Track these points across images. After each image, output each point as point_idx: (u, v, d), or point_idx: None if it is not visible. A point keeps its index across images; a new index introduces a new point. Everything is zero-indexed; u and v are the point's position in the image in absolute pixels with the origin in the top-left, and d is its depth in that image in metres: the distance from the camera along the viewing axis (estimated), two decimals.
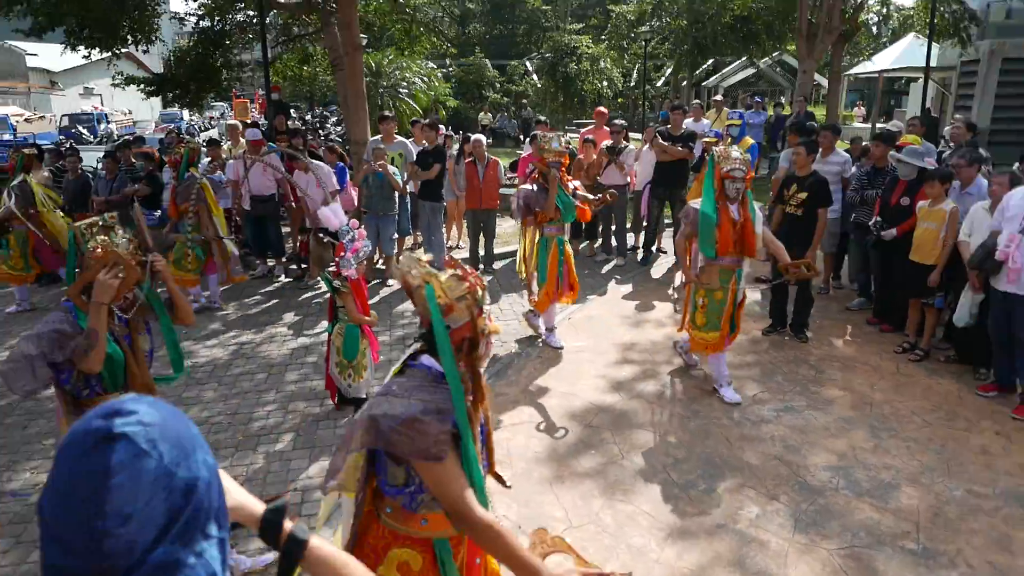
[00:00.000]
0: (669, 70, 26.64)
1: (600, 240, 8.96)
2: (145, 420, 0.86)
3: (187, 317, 3.13)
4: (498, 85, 25.12)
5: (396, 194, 7.54)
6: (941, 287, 5.39)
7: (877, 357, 5.65)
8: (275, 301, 7.45)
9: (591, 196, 6.05)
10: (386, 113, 8.51)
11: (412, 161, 7.94)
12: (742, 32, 19.80)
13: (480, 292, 1.93)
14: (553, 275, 5.69)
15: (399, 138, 8.35)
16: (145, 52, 14.38)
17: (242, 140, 8.86)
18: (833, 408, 4.83)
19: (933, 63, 20.73)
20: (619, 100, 25.97)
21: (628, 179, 8.28)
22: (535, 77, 24.67)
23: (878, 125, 19.40)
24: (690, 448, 4.33)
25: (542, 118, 9.68)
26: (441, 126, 11.47)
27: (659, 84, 27.32)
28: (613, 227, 8.69)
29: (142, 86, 13.05)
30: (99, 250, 2.71)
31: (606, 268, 8.42)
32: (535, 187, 5.71)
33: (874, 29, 31.99)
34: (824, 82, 20.90)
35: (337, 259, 4.47)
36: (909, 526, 3.58)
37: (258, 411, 4.96)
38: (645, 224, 8.60)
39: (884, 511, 3.70)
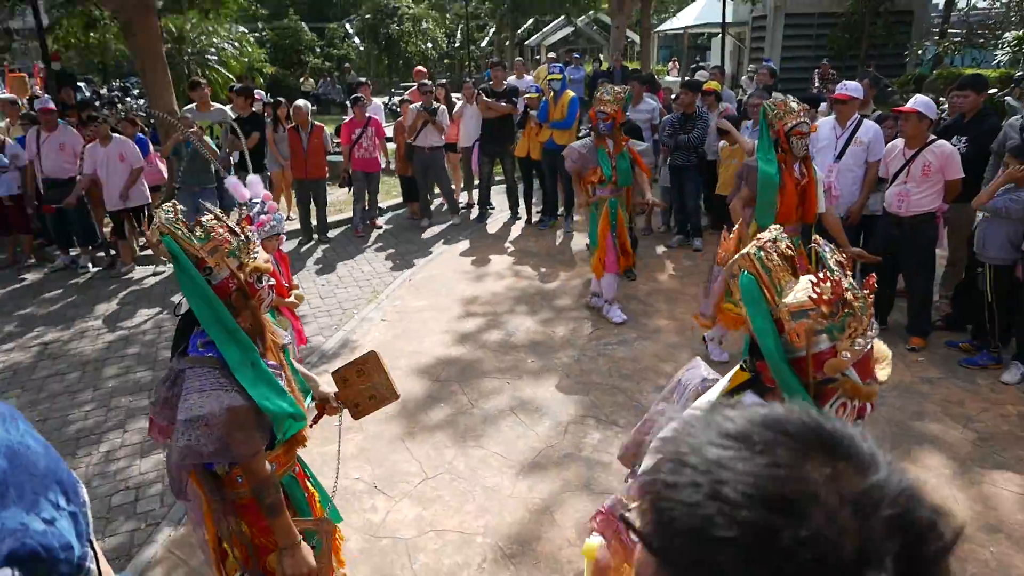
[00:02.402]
0: (492, 30, 26.81)
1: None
2: None
3: None
4: (318, 49, 23.97)
5: (213, 166, 7.02)
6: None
7: (695, 287, 6.17)
8: (82, 295, 6.73)
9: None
10: (197, 79, 7.80)
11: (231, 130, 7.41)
12: None
13: (236, 243, 1.89)
14: (605, 241, 5.25)
15: (216, 105, 7.75)
16: None
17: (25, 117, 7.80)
18: (661, 336, 5.24)
19: (729, 19, 22.54)
20: (445, 61, 25.78)
21: (443, 139, 8.21)
22: (356, 40, 23.82)
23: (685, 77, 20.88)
24: (535, 388, 4.52)
25: (363, 79, 9.34)
26: (261, 92, 10.79)
27: (483, 44, 27.45)
28: (436, 190, 8.77)
29: None
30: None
31: (427, 233, 8.43)
32: (588, 143, 5.26)
33: None
34: (637, 39, 22.04)
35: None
36: None
37: (74, 413, 4.50)
38: (478, 182, 8.69)
39: None
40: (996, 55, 15.52)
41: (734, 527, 0.51)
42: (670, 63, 24.44)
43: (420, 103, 8.03)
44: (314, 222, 8.08)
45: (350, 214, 8.55)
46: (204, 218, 1.90)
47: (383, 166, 8.35)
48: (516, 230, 8.29)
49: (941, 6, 21.62)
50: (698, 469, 0.55)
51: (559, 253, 7.36)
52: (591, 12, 25.26)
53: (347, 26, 25.12)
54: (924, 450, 3.77)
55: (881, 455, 0.57)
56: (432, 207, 9.05)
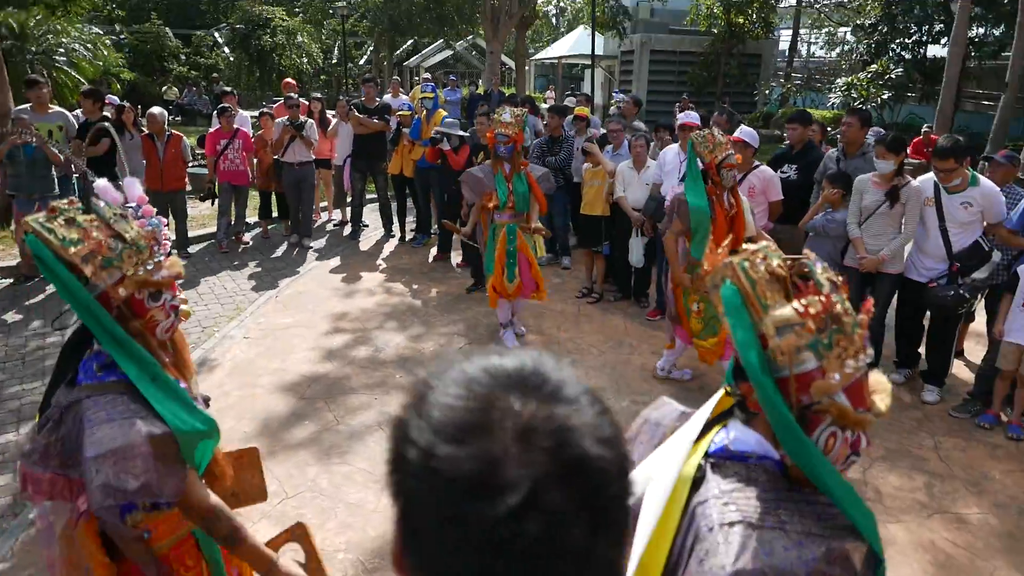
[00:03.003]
0: (371, 48, 26.63)
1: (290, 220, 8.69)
2: None
3: None
4: (183, 57, 22.76)
5: (54, 171, 6.48)
6: (607, 236, 6.27)
7: (562, 304, 6.41)
8: None
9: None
10: (35, 77, 7.11)
11: (76, 136, 6.88)
12: (436, 13, 20.53)
13: (118, 249, 1.60)
14: (499, 266, 5.07)
15: (56, 108, 7.16)
16: None
17: None
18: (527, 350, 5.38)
19: (600, 52, 23.68)
20: (322, 78, 25.26)
21: (312, 155, 8.04)
22: (226, 50, 22.86)
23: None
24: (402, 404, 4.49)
25: (228, 88, 8.97)
26: (114, 98, 10.09)
27: (361, 63, 27.19)
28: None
29: None
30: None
31: (296, 250, 8.23)
32: (485, 167, 5.16)
33: (553, 20, 35.41)
34: (514, 65, 22.66)
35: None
36: None
37: None
38: (350, 199, 8.57)
39: None
40: (830, 97, 17.35)
41: (416, 451, 0.57)
42: (547, 91, 25.36)
43: (286, 117, 7.81)
44: (173, 236, 7.64)
45: (214, 228, 8.15)
46: (82, 216, 1.62)
47: (251, 179, 8.04)
48: (389, 247, 8.25)
49: (786, 52, 23.95)
50: (416, 407, 0.61)
51: (431, 270, 7.39)
52: (470, 37, 25.73)
53: (216, 35, 24.06)
54: None
55: (586, 397, 0.61)
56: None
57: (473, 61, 27.21)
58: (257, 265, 7.50)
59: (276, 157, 7.86)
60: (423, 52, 27.02)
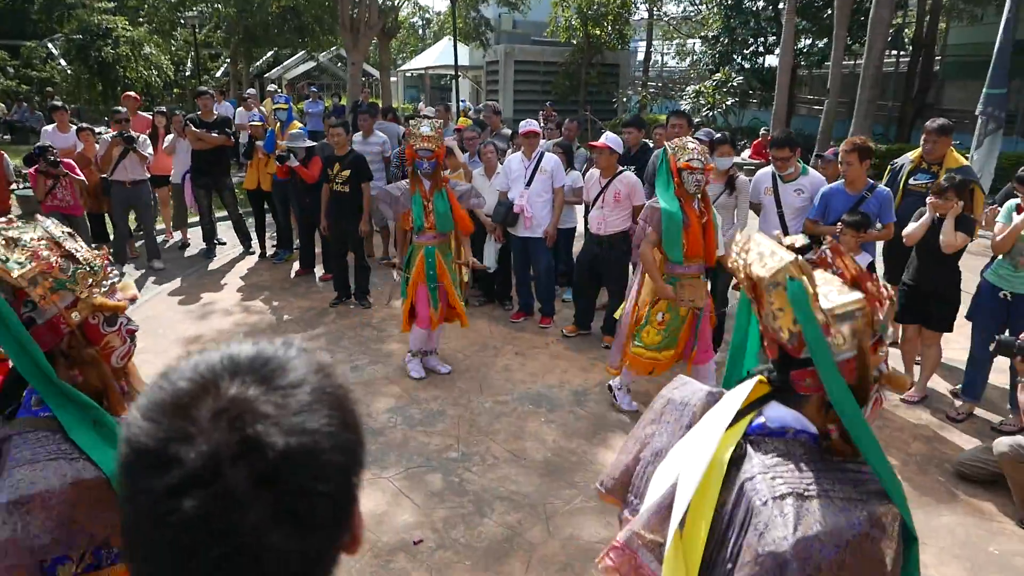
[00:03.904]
0: (228, 61, 25.44)
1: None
2: None
3: None
4: (11, 70, 20.77)
5: None
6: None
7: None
8: None
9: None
10: None
11: None
12: (293, 24, 19.97)
13: (71, 270, 1.45)
14: (413, 291, 4.79)
15: None
16: None
17: None
18: (392, 360, 5.36)
19: (467, 62, 23.97)
20: (175, 91, 23.82)
21: (146, 172, 7.47)
22: (63, 62, 21.05)
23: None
24: None
25: (58, 103, 8.26)
26: None
27: (218, 75, 25.92)
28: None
29: None
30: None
31: (137, 274, 7.76)
32: (401, 185, 4.77)
33: (420, 31, 35.41)
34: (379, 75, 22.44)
35: None
36: (452, 440, 4.21)
37: None
38: (199, 218, 8.13)
39: (432, 434, 4.28)
40: (681, 104, 18.51)
41: (122, 430, 0.59)
42: (420, 102, 25.30)
43: (114, 132, 7.19)
44: None
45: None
46: (27, 235, 1.45)
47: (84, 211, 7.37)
48: (247, 265, 7.91)
49: (641, 61, 25.31)
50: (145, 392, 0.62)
51: (294, 285, 7.17)
52: (333, 48, 25.22)
53: (50, 46, 22.11)
54: (617, 435, 4.30)
55: (307, 387, 0.61)
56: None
57: (338, 72, 26.69)
58: None
59: (104, 176, 7.25)
60: (284, 64, 26.19)
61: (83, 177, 7.00)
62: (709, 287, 4.37)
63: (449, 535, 3.34)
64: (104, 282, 1.51)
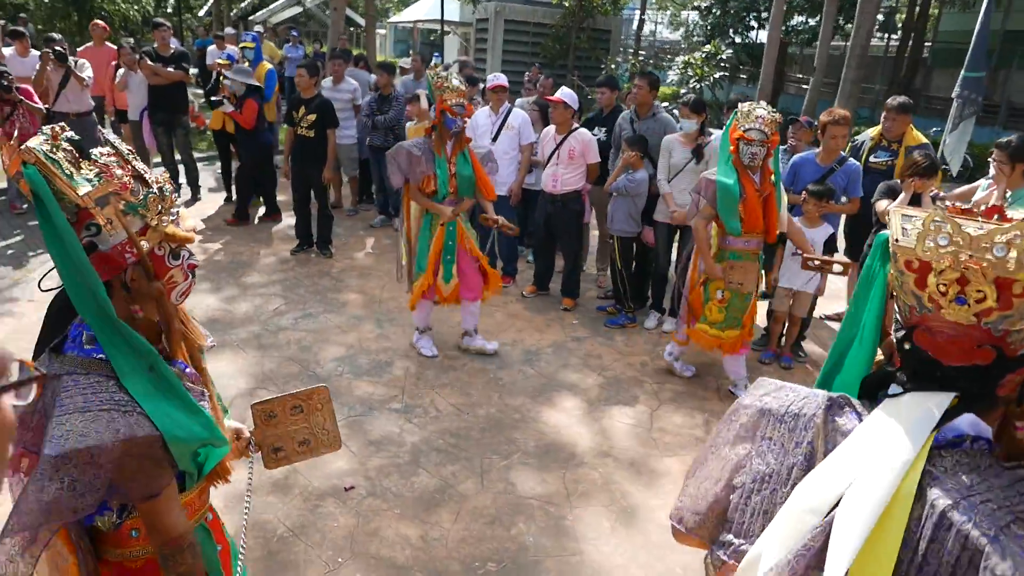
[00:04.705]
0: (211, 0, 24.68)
1: None
2: None
3: None
4: None
5: None
6: None
7: (390, 264, 6.33)
8: None
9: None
10: None
11: None
12: None
13: (143, 194, 1.32)
14: (434, 264, 4.34)
15: None
16: None
17: None
18: (346, 309, 5.30)
19: (457, 18, 23.47)
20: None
21: (91, 103, 7.18)
22: None
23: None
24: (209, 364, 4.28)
25: (20, 29, 7.88)
26: None
27: (201, 14, 25.16)
28: None
29: None
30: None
31: None
32: (421, 143, 4.21)
33: None
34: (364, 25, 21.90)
35: None
36: (396, 391, 4.19)
37: None
38: (158, 159, 7.87)
39: (378, 384, 4.25)
40: (669, 75, 18.31)
41: None
42: (411, 57, 24.86)
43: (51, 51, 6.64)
44: None
45: (3, 185, 7.28)
46: (97, 150, 1.31)
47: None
48: (207, 210, 7.72)
49: (635, 28, 24.94)
50: None
51: (256, 231, 7.05)
52: None
53: None
54: (563, 395, 4.31)
55: None
56: None
57: (324, 19, 25.97)
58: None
59: (47, 107, 6.86)
60: (271, 7, 25.43)
61: (41, 105, 6.77)
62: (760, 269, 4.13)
63: (381, 484, 3.34)
64: (172, 209, 1.39)
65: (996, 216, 0.95)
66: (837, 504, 0.98)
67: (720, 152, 4.00)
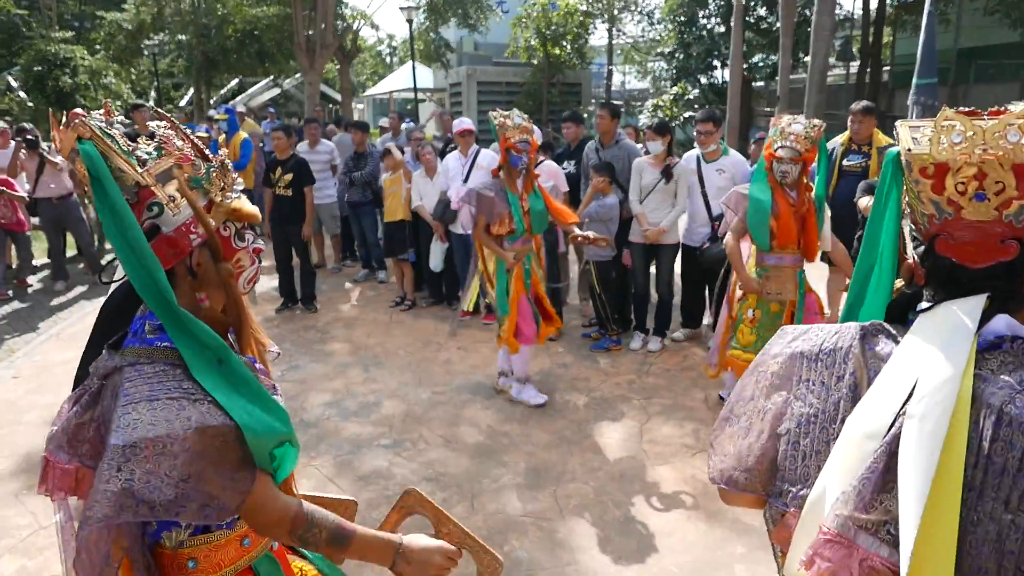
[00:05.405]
0: (192, 90, 25.44)
1: None
2: None
3: None
4: None
5: None
6: (411, 244, 6.37)
7: (375, 313, 6.41)
8: None
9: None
10: None
11: None
12: (253, 48, 20.06)
13: (205, 168, 1.24)
14: (516, 306, 4.19)
15: None
16: None
17: None
18: (332, 358, 5.32)
19: (431, 85, 24.20)
20: None
21: (71, 185, 7.17)
22: (22, 94, 20.88)
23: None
24: None
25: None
26: None
27: (182, 104, 25.89)
28: None
29: None
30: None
31: (76, 292, 7.65)
32: (492, 184, 4.16)
33: (386, 59, 35.72)
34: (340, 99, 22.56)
35: None
36: (384, 428, 4.18)
37: None
38: None
39: (366, 423, 4.25)
40: (640, 118, 18.85)
41: None
42: (389, 117, 25.53)
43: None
44: None
45: None
46: (154, 123, 1.23)
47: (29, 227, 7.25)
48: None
49: (604, 79, 25.76)
50: None
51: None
52: (297, 75, 25.32)
53: (9, 79, 21.94)
54: (552, 417, 4.30)
55: None
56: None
57: (302, 98, 26.74)
58: (40, 307, 6.84)
59: (29, 195, 6.98)
60: (249, 91, 26.22)
61: (22, 193, 6.93)
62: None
63: (370, 515, 3.30)
64: (235, 186, 1.29)
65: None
66: (892, 426, 0.98)
67: (756, 168, 3.99)
